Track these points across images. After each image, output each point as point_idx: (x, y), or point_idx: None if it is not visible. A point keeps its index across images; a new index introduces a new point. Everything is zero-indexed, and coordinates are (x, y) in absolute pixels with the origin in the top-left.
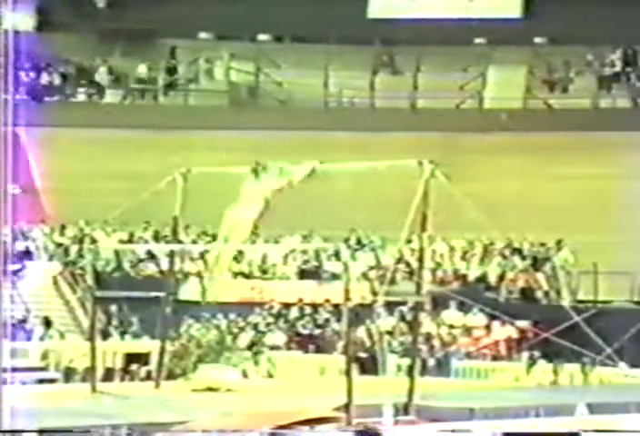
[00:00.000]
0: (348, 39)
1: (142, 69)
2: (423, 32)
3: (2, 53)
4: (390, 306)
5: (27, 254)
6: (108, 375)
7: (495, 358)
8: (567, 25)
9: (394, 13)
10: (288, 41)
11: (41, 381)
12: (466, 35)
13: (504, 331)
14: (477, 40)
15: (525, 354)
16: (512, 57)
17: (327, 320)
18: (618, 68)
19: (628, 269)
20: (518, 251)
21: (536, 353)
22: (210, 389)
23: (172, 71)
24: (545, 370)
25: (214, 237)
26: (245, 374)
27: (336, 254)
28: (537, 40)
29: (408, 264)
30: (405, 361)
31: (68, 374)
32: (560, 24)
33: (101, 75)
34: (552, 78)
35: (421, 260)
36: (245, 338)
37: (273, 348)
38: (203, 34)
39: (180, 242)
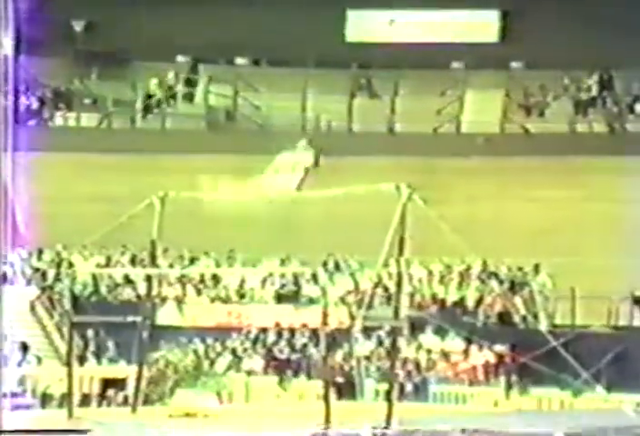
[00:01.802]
0: (326, 63)
1: (154, 82)
2: (400, 56)
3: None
4: (368, 331)
5: (4, 279)
6: (85, 401)
7: (472, 382)
8: (544, 50)
9: (371, 37)
10: (266, 65)
11: (17, 408)
12: (444, 60)
13: (481, 356)
14: (455, 64)
15: (503, 379)
16: (489, 82)
17: (305, 345)
18: (594, 93)
19: (606, 293)
20: (495, 275)
21: (514, 378)
22: (187, 414)
23: (190, 83)
24: (523, 394)
25: (191, 261)
26: (222, 399)
27: (314, 278)
28: (514, 65)
29: (386, 289)
30: (383, 386)
31: (45, 400)
32: (537, 49)
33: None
34: (528, 102)
35: (399, 284)
36: (223, 363)
37: (250, 373)
38: (180, 58)
39: (158, 266)
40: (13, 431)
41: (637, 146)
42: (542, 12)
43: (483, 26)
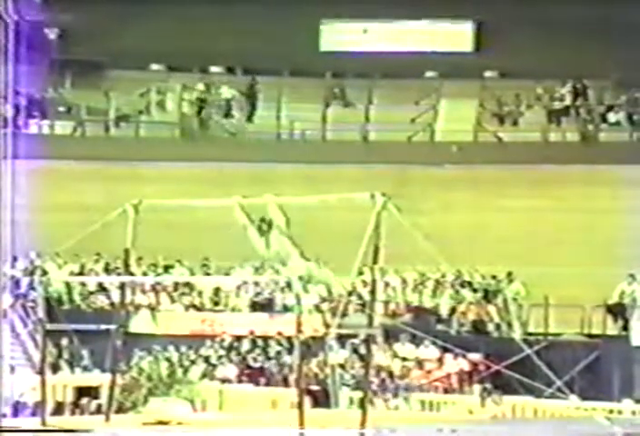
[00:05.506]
0: (300, 72)
1: (224, 90)
2: (374, 65)
3: None
4: (342, 339)
5: None
6: (58, 409)
7: (446, 391)
8: (517, 60)
9: (345, 46)
10: (240, 73)
11: None
12: (418, 69)
13: (455, 364)
14: (429, 73)
15: (478, 387)
16: (463, 91)
17: (279, 352)
18: (568, 102)
19: (579, 301)
20: (469, 283)
21: (489, 386)
22: (161, 422)
23: (253, 98)
24: (496, 402)
25: (165, 269)
26: (195, 407)
27: (288, 286)
28: (488, 74)
29: (360, 297)
30: (358, 394)
31: (17, 408)
32: (510, 59)
33: None
34: (502, 112)
35: (373, 292)
36: (197, 371)
37: (224, 381)
38: (154, 66)
39: (131, 274)
40: (13, 431)
41: (610, 155)
42: (516, 22)
43: (457, 36)
